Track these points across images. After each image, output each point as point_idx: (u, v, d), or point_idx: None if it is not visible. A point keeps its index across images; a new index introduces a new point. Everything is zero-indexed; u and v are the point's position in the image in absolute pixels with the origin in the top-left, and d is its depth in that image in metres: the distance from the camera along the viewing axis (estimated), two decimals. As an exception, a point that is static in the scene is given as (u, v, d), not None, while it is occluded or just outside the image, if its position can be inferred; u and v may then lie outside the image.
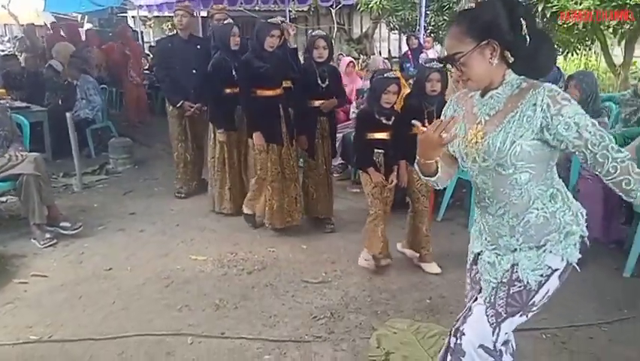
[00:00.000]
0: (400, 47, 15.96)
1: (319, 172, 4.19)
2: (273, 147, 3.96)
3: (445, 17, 10.66)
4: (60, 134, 6.11)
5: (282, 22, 4.03)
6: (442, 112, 1.84)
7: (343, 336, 2.78)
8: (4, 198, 4.87)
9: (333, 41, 4.35)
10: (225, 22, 4.39)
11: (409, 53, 9.22)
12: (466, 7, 1.50)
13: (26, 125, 4.51)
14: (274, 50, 3.86)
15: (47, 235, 3.90)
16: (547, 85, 1.56)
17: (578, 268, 1.68)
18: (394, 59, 13.93)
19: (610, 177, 1.53)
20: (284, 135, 4.00)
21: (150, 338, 2.73)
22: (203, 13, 11.39)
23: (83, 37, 11.33)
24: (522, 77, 1.61)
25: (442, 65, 3.22)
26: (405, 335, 2.79)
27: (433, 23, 11.25)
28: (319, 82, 3.96)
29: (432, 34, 10.74)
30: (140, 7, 12.85)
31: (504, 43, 1.55)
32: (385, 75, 3.39)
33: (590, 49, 9.85)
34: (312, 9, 14.99)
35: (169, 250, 3.86)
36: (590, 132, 1.50)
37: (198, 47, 4.90)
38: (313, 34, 4.14)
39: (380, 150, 3.44)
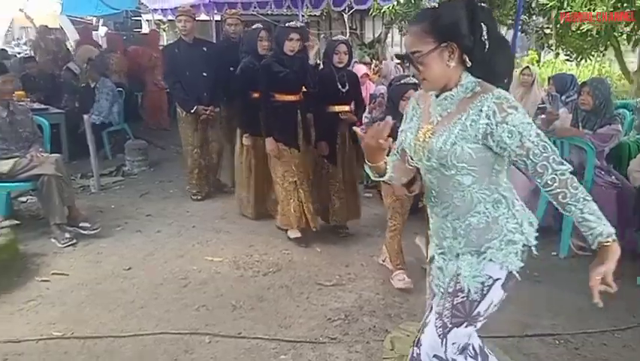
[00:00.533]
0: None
1: (339, 178, 4.15)
2: (294, 151, 3.98)
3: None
4: (76, 136, 6.23)
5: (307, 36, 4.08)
6: (405, 110, 1.85)
7: (357, 338, 2.83)
8: (24, 199, 4.97)
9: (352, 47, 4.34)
10: (254, 26, 4.42)
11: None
12: (428, 6, 1.47)
13: (47, 127, 4.61)
14: (295, 55, 3.87)
15: (67, 235, 3.99)
16: (497, 92, 1.57)
17: (518, 276, 1.68)
18: (406, 64, 13.94)
19: (547, 189, 1.54)
20: (300, 141, 4.03)
21: (169, 336, 2.79)
22: (217, 17, 11.51)
23: (100, 42, 11.50)
24: (478, 80, 1.61)
25: None
26: (418, 338, 2.83)
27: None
28: (339, 87, 3.96)
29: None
30: (155, 10, 12.98)
31: (463, 47, 1.57)
32: (402, 82, 3.34)
33: (603, 55, 9.84)
34: (325, 14, 15.06)
35: (185, 251, 3.93)
36: (532, 142, 1.52)
37: (205, 49, 4.93)
38: (334, 38, 4.14)
39: None
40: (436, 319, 1.71)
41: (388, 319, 3.02)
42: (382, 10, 12.01)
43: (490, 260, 1.65)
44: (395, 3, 11.39)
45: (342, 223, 4.27)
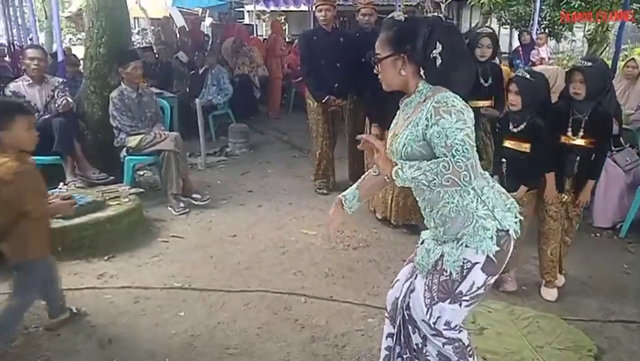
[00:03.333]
0: (510, 43, 15.49)
1: None
2: None
3: (562, 12, 10.28)
4: (186, 118, 6.86)
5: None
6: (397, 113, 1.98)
7: (440, 310, 3.03)
8: (141, 172, 5.61)
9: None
10: (391, 15, 4.49)
11: (520, 49, 9.05)
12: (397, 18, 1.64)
13: (167, 109, 5.18)
14: None
15: (181, 204, 4.51)
16: (439, 96, 1.73)
17: (494, 259, 1.78)
18: (504, 55, 13.59)
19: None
20: None
21: (270, 294, 3.16)
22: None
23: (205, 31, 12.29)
24: (432, 86, 1.79)
25: (589, 64, 2.92)
26: (500, 315, 2.98)
27: (548, 18, 10.89)
28: (481, 81, 3.82)
29: (547, 30, 10.41)
30: (257, 1, 13.66)
31: (414, 60, 1.77)
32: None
33: None
34: (421, 3, 15.00)
35: (283, 224, 4.31)
36: (457, 143, 1.65)
37: (341, 39, 4.88)
38: (478, 30, 3.97)
39: (503, 160, 3.17)
40: (425, 291, 1.89)
41: (471, 296, 3.18)
42: (481, 1, 11.80)
43: (467, 245, 1.80)
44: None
45: None
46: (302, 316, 2.94)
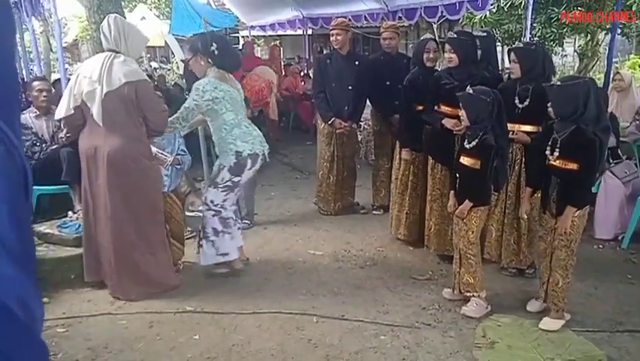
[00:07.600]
0: (503, 60, 15.74)
1: (504, 208, 3.64)
2: (437, 165, 3.88)
3: (553, 29, 10.48)
4: (187, 143, 6.91)
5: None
6: None
7: (451, 325, 3.08)
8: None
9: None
10: (423, 37, 4.31)
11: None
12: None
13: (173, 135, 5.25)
14: (471, 68, 3.63)
15: (189, 229, 4.55)
16: (203, 78, 3.43)
17: (233, 166, 3.51)
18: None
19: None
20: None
21: (282, 315, 3.20)
22: (309, 32, 12.09)
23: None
24: (218, 68, 3.46)
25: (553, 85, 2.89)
26: (509, 328, 3.03)
27: (539, 35, 11.08)
28: (516, 102, 3.42)
29: (538, 47, 10.59)
30: (252, 27, 13.87)
31: (204, 55, 3.41)
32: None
33: None
34: (413, 23, 15.26)
35: (290, 245, 4.36)
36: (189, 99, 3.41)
37: (356, 63, 4.91)
38: (511, 47, 3.64)
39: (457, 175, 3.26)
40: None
41: (480, 310, 3.22)
42: (473, 21, 12.02)
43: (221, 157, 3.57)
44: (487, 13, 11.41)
45: (516, 265, 3.74)
46: (315, 335, 2.98)
